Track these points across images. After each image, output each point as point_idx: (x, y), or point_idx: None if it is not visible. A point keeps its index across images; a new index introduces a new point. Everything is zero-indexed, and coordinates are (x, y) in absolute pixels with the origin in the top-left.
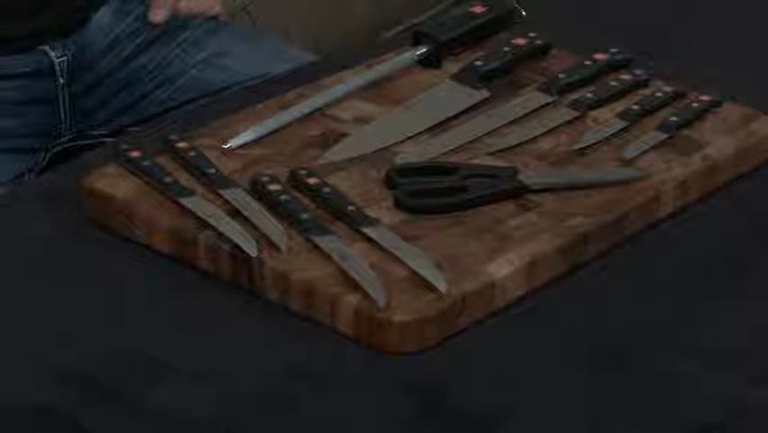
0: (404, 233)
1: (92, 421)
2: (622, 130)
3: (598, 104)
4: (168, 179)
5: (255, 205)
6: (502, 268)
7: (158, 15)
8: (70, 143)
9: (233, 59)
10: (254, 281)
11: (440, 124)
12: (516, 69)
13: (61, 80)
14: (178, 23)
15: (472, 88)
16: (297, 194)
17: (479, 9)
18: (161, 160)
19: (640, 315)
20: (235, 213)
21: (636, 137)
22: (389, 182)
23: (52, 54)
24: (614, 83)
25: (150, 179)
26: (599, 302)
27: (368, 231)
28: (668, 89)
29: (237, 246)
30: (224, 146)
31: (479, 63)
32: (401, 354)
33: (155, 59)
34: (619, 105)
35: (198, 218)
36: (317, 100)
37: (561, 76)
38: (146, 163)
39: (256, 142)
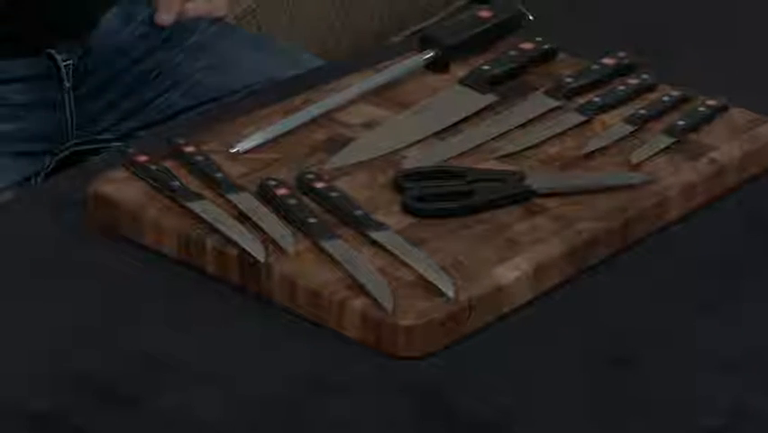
0: (411, 237)
1: (95, 424)
2: (629, 134)
3: (606, 108)
4: (175, 184)
5: (263, 209)
6: (509, 272)
7: (164, 18)
8: (77, 148)
9: (240, 64)
10: (261, 286)
11: (447, 129)
12: (524, 73)
13: (67, 84)
14: (185, 27)
15: (480, 93)
16: (304, 198)
17: (486, 13)
18: (169, 164)
19: (646, 319)
20: (243, 217)
21: (643, 141)
22: (397, 186)
23: (58, 57)
24: (621, 87)
25: (158, 183)
26: (605, 306)
27: (375, 235)
28: (675, 94)
29: (244, 251)
30: (231, 150)
31: (486, 67)
32: (408, 358)
33: (162, 63)
34: (626, 110)
35: (206, 223)
36: (325, 104)
37: (568, 80)
38: (153, 168)
39: (263, 146)
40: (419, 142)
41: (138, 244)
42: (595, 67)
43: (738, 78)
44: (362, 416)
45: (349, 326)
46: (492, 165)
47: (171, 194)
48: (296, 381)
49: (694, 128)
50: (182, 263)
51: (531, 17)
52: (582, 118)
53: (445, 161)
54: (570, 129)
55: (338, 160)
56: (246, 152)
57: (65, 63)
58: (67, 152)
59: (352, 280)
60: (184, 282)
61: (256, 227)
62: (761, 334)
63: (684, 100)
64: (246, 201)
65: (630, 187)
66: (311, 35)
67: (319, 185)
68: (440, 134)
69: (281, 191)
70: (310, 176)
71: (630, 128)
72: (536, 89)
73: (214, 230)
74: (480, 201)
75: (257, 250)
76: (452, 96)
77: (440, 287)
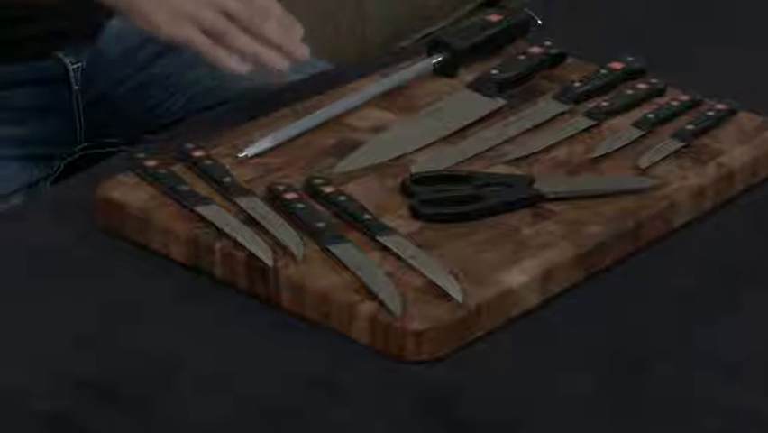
0: (420, 241)
1: (98, 425)
2: (637, 138)
3: (614, 112)
4: (184, 188)
5: (271, 213)
6: (518, 276)
7: None
8: (86, 152)
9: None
10: (270, 290)
11: (456, 133)
12: (532, 77)
13: (75, 87)
14: None
15: (488, 97)
16: (313, 202)
17: (494, 18)
18: (177, 169)
19: (655, 325)
20: (251, 221)
21: (652, 146)
22: (405, 191)
23: (66, 61)
24: (630, 91)
25: (166, 188)
26: (613, 311)
27: (384, 239)
28: (684, 98)
29: (253, 255)
30: (239, 155)
31: (494, 72)
32: (417, 362)
33: (170, 66)
34: (635, 114)
35: (214, 227)
36: (333, 109)
37: (576, 84)
38: (162, 172)
39: (272, 150)
40: (428, 146)
41: (146, 247)
42: (603, 71)
43: (747, 83)
44: (370, 419)
45: (357, 330)
46: (501, 169)
47: (180, 198)
48: (303, 384)
49: (703, 132)
50: (190, 267)
51: (539, 22)
52: (591, 122)
53: (454, 165)
54: (578, 133)
55: (347, 164)
56: (254, 156)
57: (73, 67)
58: (75, 156)
59: (360, 285)
60: (192, 286)
61: (264, 232)
62: None
63: (693, 104)
64: (254, 205)
65: (638, 191)
66: (319, 39)
67: (328, 189)
68: (448, 139)
69: (290, 195)
70: (319, 180)
71: (638, 132)
72: (545, 94)
73: (223, 234)
74: (489, 205)
75: (265, 254)
76: (460, 101)
77: (448, 291)
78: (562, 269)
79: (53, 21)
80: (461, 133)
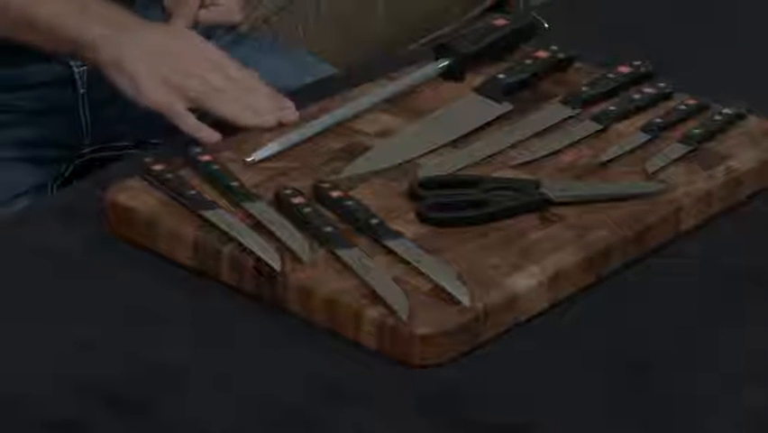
0: (427, 246)
1: (105, 431)
2: (645, 143)
3: (621, 117)
4: (191, 193)
5: (278, 218)
6: (525, 281)
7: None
8: (93, 155)
9: (255, 72)
10: (277, 294)
11: (463, 137)
12: (539, 82)
13: (81, 90)
14: (200, 34)
15: (495, 101)
16: (320, 207)
17: (500, 22)
18: (184, 173)
19: (661, 330)
20: (259, 226)
21: (659, 150)
22: (412, 195)
23: (73, 63)
24: (637, 96)
25: (173, 192)
26: (621, 315)
27: (391, 244)
28: (691, 102)
29: (260, 259)
30: (247, 159)
31: (501, 76)
32: (424, 366)
33: None
34: (642, 118)
35: (222, 231)
36: (340, 113)
37: (583, 89)
38: (169, 176)
39: (279, 155)
40: (435, 150)
41: (153, 251)
42: (611, 75)
43: (755, 87)
44: (378, 423)
45: (365, 334)
46: (508, 173)
47: (187, 202)
48: (310, 389)
49: (710, 137)
50: (197, 272)
51: (546, 26)
52: (598, 127)
53: (461, 169)
54: (585, 138)
55: (354, 168)
56: (262, 160)
57: (79, 69)
58: (82, 160)
59: (367, 289)
60: (199, 290)
61: (272, 236)
62: None
63: (700, 109)
64: (262, 210)
65: (646, 195)
66: (326, 43)
67: (335, 194)
68: (456, 143)
69: (297, 200)
70: (326, 185)
71: (646, 137)
72: (552, 98)
73: (230, 239)
74: (496, 210)
75: (273, 259)
76: (467, 105)
77: (455, 295)
78: (569, 273)
79: None
80: (468, 137)
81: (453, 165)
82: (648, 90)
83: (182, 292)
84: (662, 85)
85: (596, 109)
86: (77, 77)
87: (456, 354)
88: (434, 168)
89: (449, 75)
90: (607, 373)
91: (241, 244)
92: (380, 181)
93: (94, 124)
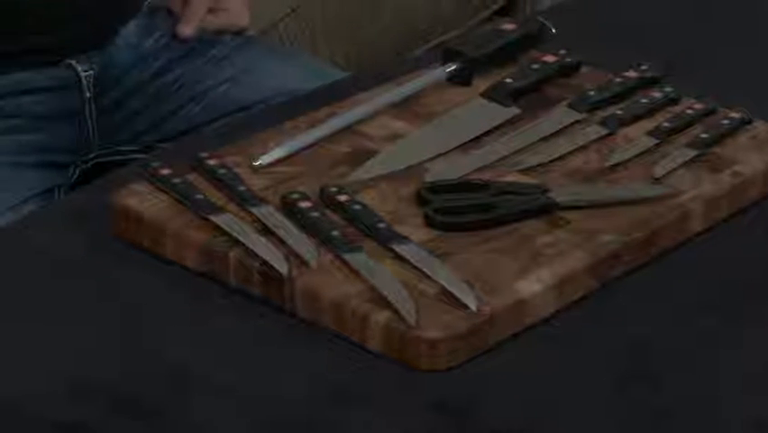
0: (434, 250)
1: None
2: (652, 147)
3: (629, 121)
4: (198, 197)
5: (285, 222)
6: (532, 285)
7: (186, 31)
8: (100, 159)
9: (262, 76)
10: (284, 299)
11: (470, 142)
12: (546, 86)
13: (88, 94)
14: (207, 39)
15: (502, 106)
16: (327, 211)
17: (508, 26)
18: (191, 177)
19: (669, 336)
20: (265, 230)
21: (666, 154)
22: (420, 199)
23: (79, 68)
24: (644, 100)
25: (180, 196)
26: (630, 320)
27: (398, 248)
28: (698, 106)
29: (267, 264)
30: (254, 163)
31: (508, 80)
32: (431, 371)
33: (183, 75)
34: (649, 123)
35: (229, 236)
36: (347, 117)
37: (591, 93)
38: (176, 181)
39: (286, 159)
40: (442, 155)
41: (160, 256)
42: (618, 80)
43: (762, 91)
44: (384, 427)
45: (372, 338)
46: (515, 178)
47: (194, 207)
48: (318, 393)
49: (717, 141)
50: (205, 276)
51: (553, 30)
52: (605, 131)
53: (468, 173)
54: (593, 142)
55: (361, 173)
56: (269, 165)
57: (85, 74)
58: (90, 164)
59: (374, 293)
60: (206, 295)
61: (279, 240)
62: None
63: (707, 113)
64: (269, 214)
65: (653, 200)
66: (333, 48)
67: (342, 198)
68: (463, 147)
69: (304, 204)
70: (333, 189)
71: (653, 141)
72: (559, 102)
73: (237, 243)
74: (503, 214)
75: (280, 263)
76: (474, 110)
77: (462, 300)
78: (576, 278)
79: (65, 28)
80: (476, 141)
81: (461, 169)
82: (655, 94)
83: (189, 297)
84: (669, 89)
85: (603, 113)
86: (83, 81)
87: (463, 359)
88: (441, 172)
89: (456, 79)
90: (611, 379)
91: (248, 249)
92: (388, 186)
93: (100, 128)
